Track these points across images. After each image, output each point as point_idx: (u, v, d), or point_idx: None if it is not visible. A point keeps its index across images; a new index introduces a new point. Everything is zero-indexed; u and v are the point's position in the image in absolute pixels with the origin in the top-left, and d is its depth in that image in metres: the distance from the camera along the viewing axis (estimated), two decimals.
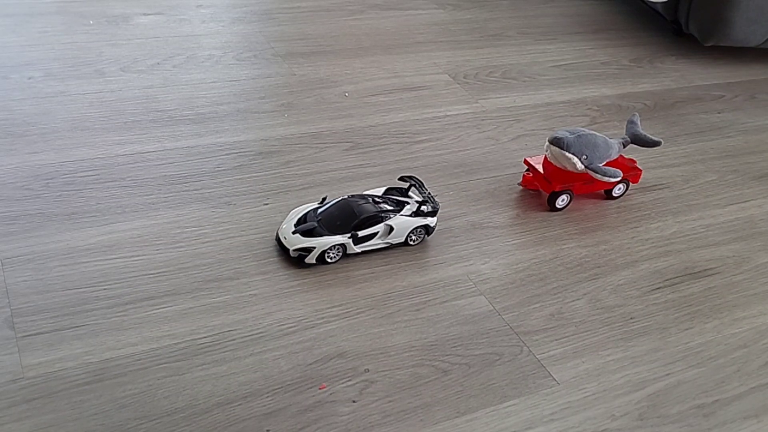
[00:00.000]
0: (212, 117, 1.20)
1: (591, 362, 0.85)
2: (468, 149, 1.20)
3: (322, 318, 0.86)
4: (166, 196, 1.02)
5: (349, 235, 0.93)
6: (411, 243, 0.98)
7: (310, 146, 1.16)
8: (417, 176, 1.08)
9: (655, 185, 1.17)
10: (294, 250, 0.92)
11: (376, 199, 0.98)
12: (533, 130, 1.27)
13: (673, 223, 1.09)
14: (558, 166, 1.06)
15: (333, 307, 0.88)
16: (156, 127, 1.16)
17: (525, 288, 0.94)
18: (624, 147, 1.12)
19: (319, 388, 0.78)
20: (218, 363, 0.79)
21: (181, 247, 0.93)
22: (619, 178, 1.06)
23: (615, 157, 1.10)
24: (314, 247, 0.91)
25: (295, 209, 0.98)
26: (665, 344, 0.88)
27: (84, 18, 1.44)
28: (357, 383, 0.79)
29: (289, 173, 1.10)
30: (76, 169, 1.03)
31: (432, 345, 0.85)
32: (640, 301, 0.94)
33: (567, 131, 1.06)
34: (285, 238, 0.94)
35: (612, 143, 1.09)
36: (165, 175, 1.05)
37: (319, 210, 0.97)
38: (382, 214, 0.96)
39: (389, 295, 0.91)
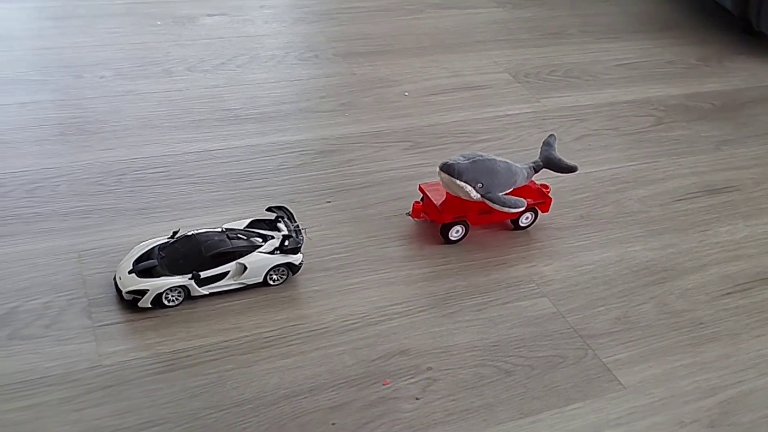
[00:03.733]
0: (275, 116, 1.22)
1: (658, 367, 0.83)
2: (530, 149, 1.19)
3: (385, 315, 0.87)
4: (232, 193, 1.04)
5: (190, 276, 0.84)
6: (272, 283, 0.88)
7: (369, 145, 1.17)
8: (287, 207, 0.95)
9: (725, 188, 1.14)
10: (127, 293, 0.83)
11: (232, 234, 0.88)
12: (597, 130, 1.26)
13: (743, 227, 1.06)
14: (451, 194, 0.97)
15: (395, 304, 0.89)
16: (221, 125, 1.18)
17: (589, 291, 0.93)
18: (536, 172, 1.01)
19: (383, 384, 0.79)
20: (284, 356, 0.81)
21: None
22: (521, 209, 0.96)
23: (522, 184, 0.99)
24: (148, 290, 0.82)
25: (141, 244, 0.88)
26: (736, 351, 0.86)
27: (151, 19, 1.48)
28: (420, 381, 0.79)
29: (349, 172, 1.11)
30: (147, 166, 1.07)
31: (494, 345, 0.85)
32: (709, 306, 0.92)
33: (461, 156, 0.95)
34: (120, 278, 0.84)
35: (517, 169, 0.99)
36: (230, 173, 1.08)
37: (166, 246, 0.87)
38: (235, 252, 0.86)
39: (450, 294, 0.91)
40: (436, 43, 1.49)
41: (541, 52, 1.49)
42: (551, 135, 1.06)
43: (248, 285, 0.87)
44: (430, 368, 0.81)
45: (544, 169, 1.02)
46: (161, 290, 0.83)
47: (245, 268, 0.86)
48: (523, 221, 1.01)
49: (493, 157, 0.98)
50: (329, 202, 1.04)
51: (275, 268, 0.88)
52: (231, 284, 0.86)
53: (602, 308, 0.91)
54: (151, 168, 1.06)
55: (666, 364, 0.84)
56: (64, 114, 1.15)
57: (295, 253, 0.89)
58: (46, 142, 1.09)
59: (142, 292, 0.82)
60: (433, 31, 1.54)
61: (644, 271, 0.97)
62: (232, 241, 0.87)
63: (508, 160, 0.99)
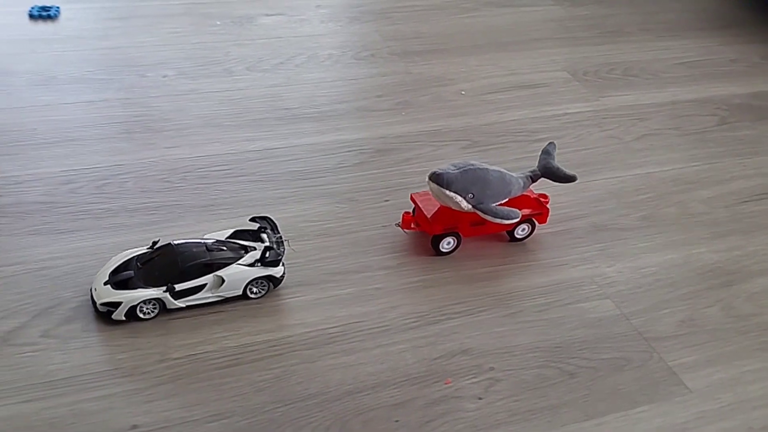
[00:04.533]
0: (333, 115, 1.23)
1: (725, 372, 0.82)
2: (589, 148, 1.18)
3: (445, 314, 0.87)
4: (292, 190, 1.05)
5: (164, 288, 0.82)
6: (252, 296, 0.86)
7: (427, 144, 1.18)
8: (271, 217, 0.92)
9: None
10: (101, 305, 0.82)
11: (212, 245, 0.86)
12: (659, 129, 1.24)
13: None
14: (442, 204, 0.94)
15: (455, 303, 0.89)
16: (281, 124, 1.20)
17: (653, 293, 0.91)
18: (533, 181, 0.98)
19: (445, 383, 0.79)
20: (347, 353, 0.82)
21: (308, 239, 0.96)
22: (514, 220, 0.93)
23: (517, 194, 0.96)
24: (121, 302, 0.81)
25: (120, 254, 0.86)
26: None
27: (211, 19, 1.51)
28: (482, 381, 0.79)
29: (408, 170, 1.11)
30: (210, 164, 1.09)
31: (557, 347, 0.84)
32: None
33: (452, 165, 0.92)
34: (95, 289, 0.83)
35: (512, 178, 0.95)
36: (291, 171, 1.09)
37: (144, 257, 0.86)
38: (213, 264, 0.84)
39: (511, 294, 0.90)
40: (491, 42, 1.49)
41: (600, 50, 1.47)
42: (550, 143, 1.02)
43: (227, 298, 0.85)
44: (492, 368, 0.81)
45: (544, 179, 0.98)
46: (135, 303, 0.81)
47: (223, 280, 0.84)
48: (519, 233, 0.98)
49: (486, 166, 0.94)
50: (387, 200, 1.04)
51: (255, 281, 0.86)
52: (209, 297, 0.84)
53: (667, 311, 0.89)
54: (215, 166, 1.09)
55: (733, 368, 0.82)
56: (129, 112, 1.18)
57: (276, 266, 0.86)
58: (113, 139, 1.12)
59: (116, 305, 0.81)
60: (488, 29, 1.54)
61: (709, 273, 0.95)
62: (211, 252, 0.85)
63: (502, 170, 0.95)
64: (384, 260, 0.94)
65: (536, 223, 0.98)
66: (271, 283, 0.87)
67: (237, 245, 0.87)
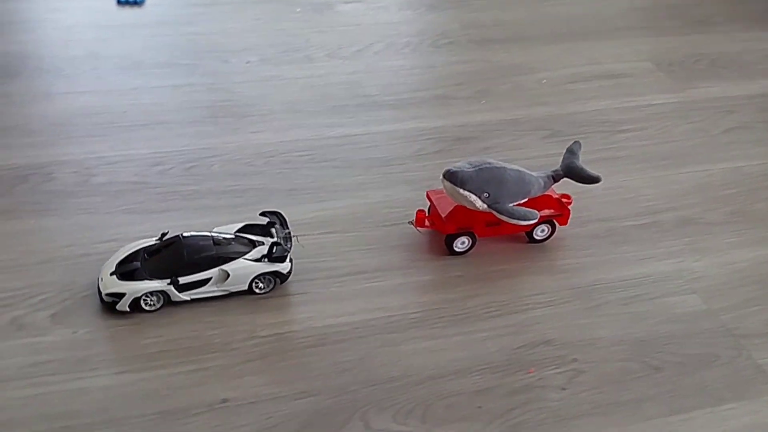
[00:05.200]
0: (412, 102, 1.24)
1: None
2: (675, 140, 1.15)
3: (527, 304, 0.87)
4: (373, 177, 1.06)
5: (168, 281, 0.82)
6: (257, 291, 0.85)
7: (507, 133, 1.17)
8: (281, 212, 0.91)
9: None
10: (106, 295, 0.82)
11: (219, 238, 0.86)
12: (748, 122, 1.20)
13: None
14: (457, 203, 0.91)
15: (537, 294, 0.88)
16: (361, 111, 1.21)
17: (743, 289, 0.89)
18: (555, 181, 0.94)
19: (528, 372, 0.79)
20: (428, 338, 0.83)
21: (389, 226, 0.97)
22: (531, 221, 0.90)
23: (537, 194, 0.92)
24: (125, 293, 0.81)
25: (128, 245, 0.86)
26: None
27: (291, 6, 1.53)
28: (565, 371, 0.79)
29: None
30: (292, 149, 1.11)
31: (642, 341, 0.83)
32: None
33: (468, 163, 0.89)
34: (101, 279, 0.83)
35: (531, 178, 0.92)
36: (371, 158, 1.10)
37: (152, 248, 0.86)
38: (218, 258, 0.83)
39: (595, 287, 0.89)
40: (573, 30, 1.46)
41: (686, 41, 1.43)
42: (575, 142, 0.98)
43: (233, 293, 0.84)
44: (575, 360, 0.80)
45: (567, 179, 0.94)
46: (138, 294, 0.81)
47: (228, 275, 0.84)
48: (539, 234, 0.94)
49: (503, 164, 0.91)
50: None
51: (261, 276, 0.85)
52: (214, 291, 0.84)
53: (757, 308, 0.87)
54: (297, 151, 1.11)
55: None
56: (214, 97, 1.21)
57: (282, 262, 0.85)
58: (199, 123, 1.15)
59: (121, 295, 0.81)
60: (570, 18, 1.51)
61: None
62: (218, 246, 0.84)
63: (521, 169, 0.92)
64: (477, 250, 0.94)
65: (557, 224, 0.95)
66: (277, 279, 0.86)
67: (245, 240, 0.87)
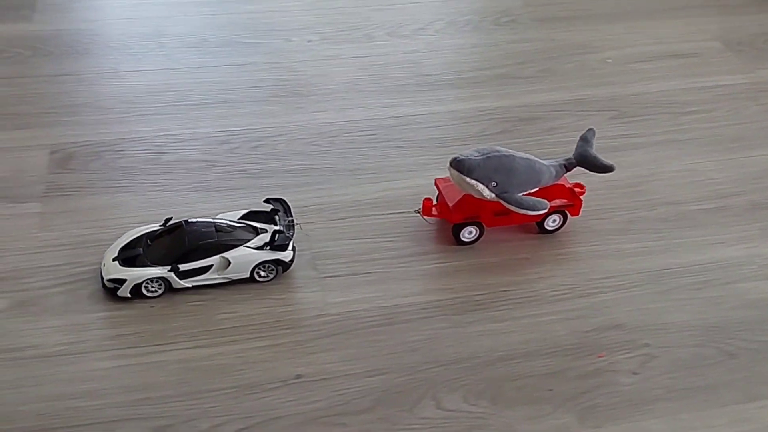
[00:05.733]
0: (473, 82, 1.23)
1: None
2: (745, 122, 1.12)
3: (596, 288, 0.86)
4: (436, 158, 1.06)
5: (169, 268, 0.82)
6: (259, 279, 0.85)
7: (572, 113, 1.15)
8: (285, 199, 0.91)
9: None
10: (108, 281, 0.82)
11: (222, 225, 0.85)
12: None
13: None
14: (464, 192, 0.89)
15: (606, 278, 0.88)
16: (422, 90, 1.21)
17: None
18: (567, 170, 0.92)
19: (598, 356, 0.79)
20: (495, 320, 0.83)
21: None
22: (541, 211, 0.87)
23: (549, 184, 0.90)
24: (126, 279, 0.82)
25: (131, 231, 0.87)
26: None
27: None
28: (637, 356, 0.79)
29: (552, 140, 1.10)
30: (355, 129, 1.11)
31: (714, 327, 0.82)
32: None
33: (476, 151, 0.87)
34: (104, 264, 0.84)
35: (542, 167, 0.89)
36: (433, 138, 1.10)
37: (154, 234, 0.86)
38: (219, 246, 0.83)
39: (665, 271, 0.88)
40: (637, 8, 1.42)
41: (757, 19, 1.38)
42: (590, 129, 0.94)
43: (234, 280, 0.84)
44: (647, 344, 0.80)
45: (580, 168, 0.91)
46: (139, 281, 0.82)
47: (229, 262, 0.83)
48: (550, 224, 0.92)
49: (513, 153, 0.89)
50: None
51: (262, 264, 0.84)
52: (215, 278, 0.84)
53: None
54: (359, 131, 1.11)
55: None
56: (276, 76, 1.22)
57: (284, 250, 0.85)
58: (262, 102, 1.16)
59: (122, 281, 0.82)
60: None
61: None
62: (219, 233, 0.84)
63: (531, 157, 0.89)
64: (532, 229, 0.94)
65: (568, 215, 0.92)
66: (279, 267, 0.85)
67: (249, 227, 0.87)
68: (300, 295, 0.85)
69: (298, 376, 0.76)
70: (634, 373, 0.77)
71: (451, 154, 1.05)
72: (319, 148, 1.08)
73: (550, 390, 0.75)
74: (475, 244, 0.91)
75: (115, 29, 1.31)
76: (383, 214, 0.96)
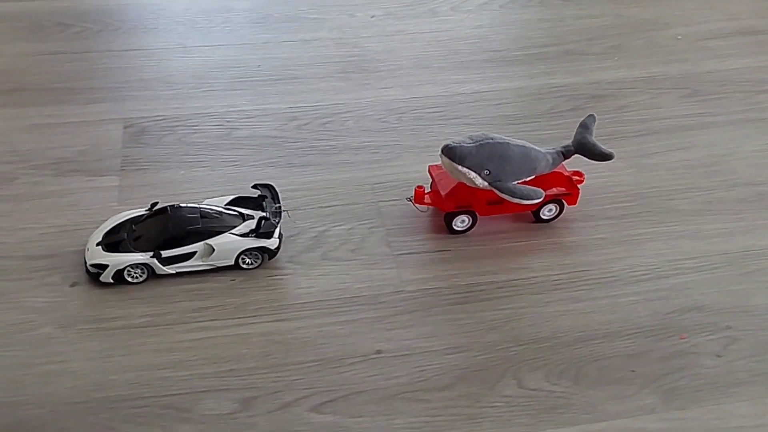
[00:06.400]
0: (541, 58, 1.21)
1: None
2: None
3: (676, 269, 0.85)
4: (511, 135, 1.03)
5: (152, 253, 0.81)
6: (244, 267, 0.83)
7: (644, 91, 1.13)
8: (274, 185, 0.89)
9: None
10: (90, 266, 0.81)
11: (208, 211, 0.84)
12: None
13: None
14: (456, 180, 0.87)
15: (686, 259, 0.86)
16: (489, 66, 1.19)
17: None
18: (565, 158, 0.89)
19: (680, 338, 0.78)
20: (575, 300, 0.82)
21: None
22: (535, 201, 0.85)
23: (545, 172, 0.88)
24: (108, 265, 0.80)
25: (116, 216, 0.86)
26: None
27: None
28: (719, 338, 0.78)
29: (624, 118, 1.08)
30: (423, 105, 1.11)
31: None
32: None
33: (469, 138, 0.85)
34: (88, 249, 0.83)
35: (538, 154, 0.87)
36: (503, 115, 1.09)
37: (140, 220, 0.85)
38: (203, 232, 0.82)
39: (747, 253, 0.87)
40: None
41: None
42: (590, 116, 0.91)
43: (219, 267, 0.83)
44: (729, 327, 0.79)
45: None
46: (121, 267, 0.81)
47: (213, 249, 0.82)
48: (546, 213, 0.90)
49: (507, 140, 0.86)
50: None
51: (247, 252, 0.83)
52: (199, 265, 0.83)
53: None
54: (428, 107, 1.10)
55: None
56: (343, 52, 1.22)
57: (269, 237, 0.83)
58: (330, 78, 1.16)
59: (104, 267, 0.81)
60: None
61: None
62: (204, 219, 0.83)
63: (526, 144, 0.87)
64: (606, 210, 0.93)
65: (565, 204, 0.90)
66: (265, 255, 0.84)
67: (236, 213, 0.86)
68: (375, 271, 0.85)
69: (378, 352, 0.77)
70: (718, 356, 0.76)
71: (522, 131, 1.06)
72: (388, 125, 1.07)
73: (633, 371, 0.75)
74: (553, 222, 0.90)
75: (180, 4, 1.31)
76: None
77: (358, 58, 1.21)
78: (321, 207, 0.93)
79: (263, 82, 1.14)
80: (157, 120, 1.05)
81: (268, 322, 0.80)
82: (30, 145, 0.99)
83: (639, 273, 0.85)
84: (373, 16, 1.31)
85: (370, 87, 1.15)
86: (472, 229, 0.90)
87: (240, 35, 1.25)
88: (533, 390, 0.74)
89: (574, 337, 0.78)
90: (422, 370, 0.75)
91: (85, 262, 0.83)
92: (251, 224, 0.84)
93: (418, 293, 0.83)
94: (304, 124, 1.07)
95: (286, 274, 0.85)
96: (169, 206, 0.84)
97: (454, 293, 0.83)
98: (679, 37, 1.24)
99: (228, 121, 1.06)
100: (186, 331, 0.78)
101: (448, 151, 0.84)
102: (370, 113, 1.09)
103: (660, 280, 0.84)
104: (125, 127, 1.04)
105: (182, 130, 1.04)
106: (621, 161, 0.99)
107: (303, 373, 0.75)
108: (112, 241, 0.83)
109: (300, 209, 0.89)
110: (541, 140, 1.02)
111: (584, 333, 0.79)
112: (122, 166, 0.97)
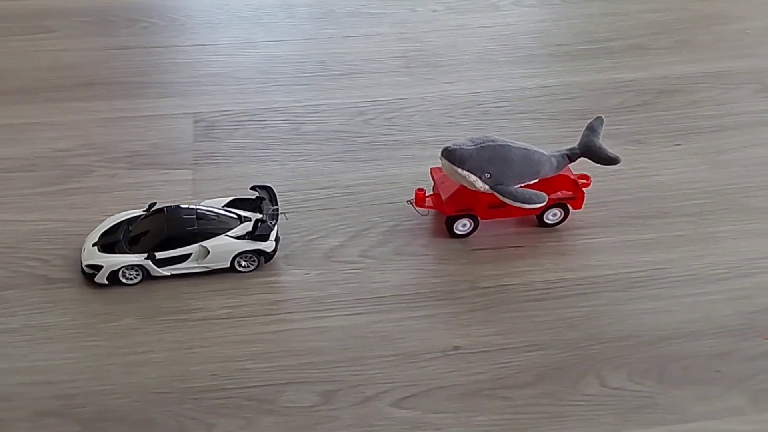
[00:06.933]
0: (606, 52, 1.19)
1: None
2: None
3: (757, 268, 0.83)
4: (575, 130, 1.01)
5: (146, 255, 0.81)
6: (241, 270, 0.83)
7: (714, 86, 1.11)
8: (272, 187, 0.88)
9: None
10: (85, 266, 0.81)
11: (205, 213, 0.83)
12: None
13: None
14: (457, 183, 0.85)
15: (766, 258, 0.85)
16: (554, 61, 1.18)
17: None
18: (570, 161, 0.87)
19: (765, 338, 0.76)
20: (655, 298, 0.81)
21: (599, 181, 0.94)
22: (538, 204, 0.83)
23: (549, 175, 0.85)
24: (102, 266, 0.80)
25: (113, 216, 0.85)
26: None
27: None
28: None
29: (696, 114, 1.06)
30: (489, 100, 1.10)
31: None
32: None
33: (470, 140, 0.83)
34: (84, 250, 0.83)
35: (542, 157, 0.85)
36: (570, 110, 1.08)
37: (135, 220, 0.84)
38: (198, 234, 0.81)
39: None
40: None
41: None
42: (597, 118, 0.89)
43: (215, 270, 0.82)
44: None
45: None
46: (116, 268, 0.80)
47: (208, 251, 0.81)
48: (549, 218, 0.88)
49: (509, 142, 0.84)
50: (678, 145, 1.00)
51: (243, 254, 0.82)
52: (195, 267, 0.82)
53: None
54: (493, 102, 1.10)
55: None
56: (405, 47, 1.21)
57: (265, 240, 0.82)
58: (393, 73, 1.16)
59: (98, 268, 0.80)
60: None
61: None
62: (200, 221, 0.82)
63: (529, 146, 0.85)
64: (681, 207, 0.91)
65: (570, 208, 0.88)
66: (261, 258, 0.83)
67: (233, 215, 0.85)
68: (450, 267, 0.85)
69: (456, 348, 0.77)
70: None
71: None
72: (453, 119, 1.07)
73: (718, 371, 0.73)
74: (628, 219, 0.89)
75: (243, 0, 1.33)
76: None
77: (421, 52, 1.20)
78: (390, 202, 0.93)
79: (328, 77, 1.14)
80: (227, 114, 1.06)
81: (344, 315, 0.80)
82: (104, 138, 1.01)
83: (720, 271, 0.83)
84: (434, 11, 1.31)
85: (433, 82, 1.14)
86: (474, 233, 0.88)
87: (304, 30, 1.25)
88: (616, 389, 0.73)
89: (656, 335, 0.77)
90: (502, 367, 0.75)
91: (81, 263, 0.83)
92: (248, 226, 0.83)
93: (493, 289, 0.83)
94: (371, 119, 1.07)
95: (360, 268, 0.85)
96: (166, 207, 0.84)
97: (531, 290, 0.82)
98: (749, 31, 1.22)
99: (295, 116, 1.06)
100: (264, 323, 0.79)
101: (448, 154, 0.83)
102: (435, 108, 1.09)
103: (741, 278, 0.82)
104: (195, 122, 1.05)
105: (251, 124, 1.05)
106: (695, 157, 0.98)
107: (382, 367, 0.75)
108: (108, 242, 0.82)
109: (297, 211, 0.88)
110: (612, 136, 1.01)
111: (666, 332, 0.77)
112: (194, 160, 0.98)
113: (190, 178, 0.95)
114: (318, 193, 0.93)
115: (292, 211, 0.88)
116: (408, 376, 0.74)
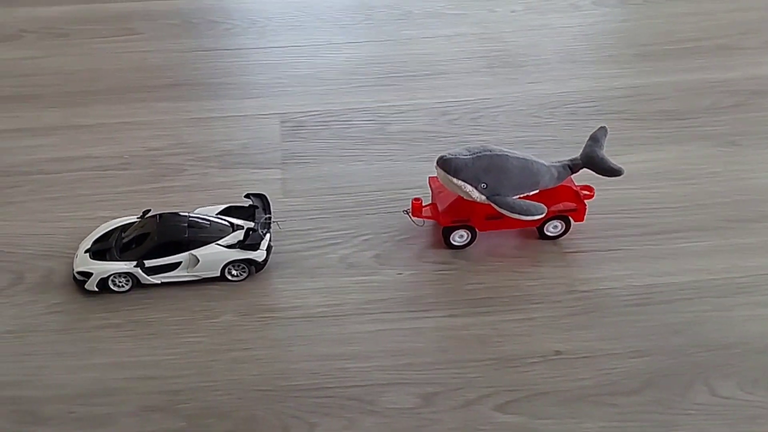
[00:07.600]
0: (694, 52, 1.16)
1: None
2: None
3: None
4: (666, 131, 1.02)
5: (135, 263, 0.80)
6: (231, 279, 0.81)
7: None
8: (266, 195, 0.87)
9: None
10: (77, 272, 0.81)
11: (197, 221, 0.82)
12: None
13: None
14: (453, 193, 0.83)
15: None
16: (640, 61, 1.15)
17: None
18: (572, 171, 0.84)
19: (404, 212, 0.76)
20: (761, 305, 0.78)
21: (694, 183, 0.93)
22: (536, 216, 0.80)
23: (550, 186, 0.82)
24: (92, 273, 0.79)
25: (107, 223, 0.85)
26: None
27: None
28: None
29: None
30: (576, 100, 1.08)
31: None
32: None
33: (466, 150, 0.80)
34: (77, 256, 0.82)
35: (541, 168, 0.82)
36: (661, 110, 1.05)
37: (128, 227, 0.84)
38: (188, 243, 0.80)
39: None
40: None
41: None
42: (601, 128, 0.86)
43: (205, 279, 0.81)
44: None
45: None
46: (105, 275, 0.80)
47: (198, 260, 0.80)
48: (550, 230, 0.85)
49: (507, 152, 0.81)
50: None
51: (233, 263, 0.81)
52: (185, 275, 0.81)
53: None
54: (581, 102, 1.08)
55: None
56: (486, 47, 1.20)
57: (255, 250, 0.81)
58: (476, 73, 1.15)
59: (88, 275, 0.80)
60: None
61: None
62: (191, 229, 0.81)
63: (528, 157, 0.82)
64: None
65: (572, 220, 0.85)
66: (252, 267, 0.82)
67: (225, 223, 0.83)
68: (545, 269, 0.84)
69: (558, 352, 0.75)
70: None
71: (684, 128, 1.02)
72: (540, 119, 1.06)
73: None
74: (727, 223, 0.86)
75: (322, 2, 1.33)
76: (620, 189, 0.92)
77: (502, 52, 1.19)
78: None
79: (411, 78, 1.14)
80: (312, 115, 1.07)
81: (440, 317, 0.79)
82: (194, 138, 1.02)
83: None
84: (513, 11, 1.29)
85: (517, 82, 1.13)
86: (472, 244, 0.86)
87: (384, 32, 1.25)
88: (727, 398, 0.70)
89: (765, 343, 0.75)
90: (607, 374, 0.73)
91: (72, 269, 0.83)
92: (239, 235, 0.82)
93: (592, 293, 0.81)
94: (456, 119, 1.06)
95: (452, 269, 0.84)
96: (159, 215, 0.83)
97: (631, 294, 0.80)
98: None
99: (380, 116, 1.06)
100: (361, 323, 0.79)
101: (443, 163, 0.81)
102: (520, 108, 1.08)
103: None
104: (282, 122, 1.05)
105: (337, 125, 1.05)
106: None
107: (482, 370, 0.74)
108: (100, 249, 0.82)
109: (285, 220, 0.87)
110: (706, 137, 0.99)
111: None
112: (283, 160, 0.99)
113: (279, 177, 0.96)
114: (406, 193, 0.92)
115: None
116: (510, 381, 0.73)
